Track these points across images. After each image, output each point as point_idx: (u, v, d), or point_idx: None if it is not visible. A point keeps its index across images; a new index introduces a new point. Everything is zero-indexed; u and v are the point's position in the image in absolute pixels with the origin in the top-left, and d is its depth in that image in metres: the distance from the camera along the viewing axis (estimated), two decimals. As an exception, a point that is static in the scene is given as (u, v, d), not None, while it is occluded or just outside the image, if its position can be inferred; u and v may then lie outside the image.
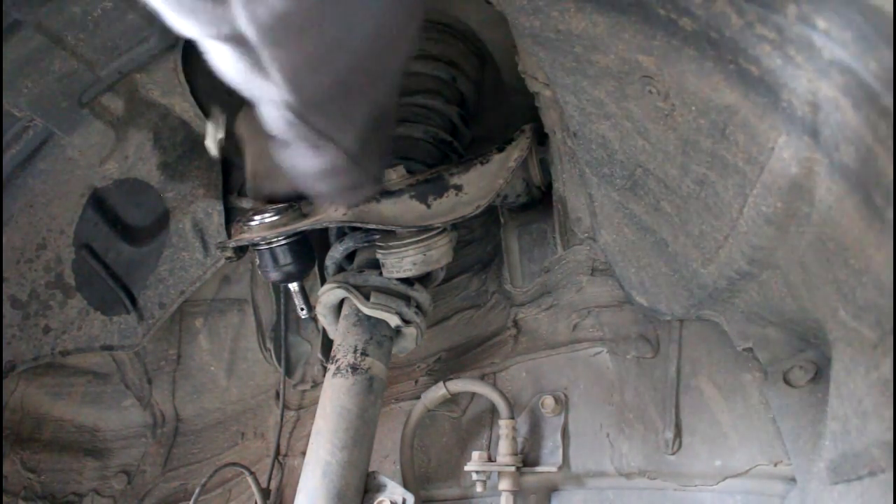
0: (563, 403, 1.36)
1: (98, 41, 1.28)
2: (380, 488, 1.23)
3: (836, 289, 0.78)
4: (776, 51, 0.68)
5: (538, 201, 1.50)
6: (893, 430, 0.71)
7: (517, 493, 1.30)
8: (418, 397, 1.46)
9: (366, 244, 1.44)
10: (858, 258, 0.70)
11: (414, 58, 1.53)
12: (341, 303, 1.44)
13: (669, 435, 1.22)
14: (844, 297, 0.76)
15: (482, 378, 1.48)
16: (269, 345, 1.79)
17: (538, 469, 1.32)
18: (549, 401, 1.36)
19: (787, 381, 1.08)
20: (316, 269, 1.57)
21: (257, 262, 1.48)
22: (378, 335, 1.37)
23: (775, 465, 1.11)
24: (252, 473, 1.58)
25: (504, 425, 1.33)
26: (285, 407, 1.73)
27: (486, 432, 1.44)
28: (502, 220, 1.57)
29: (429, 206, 1.33)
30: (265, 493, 1.58)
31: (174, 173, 1.53)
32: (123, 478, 1.80)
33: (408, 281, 1.42)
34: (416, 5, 0.86)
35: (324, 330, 1.54)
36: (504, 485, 1.29)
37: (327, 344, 1.53)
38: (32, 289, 1.57)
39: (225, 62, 0.80)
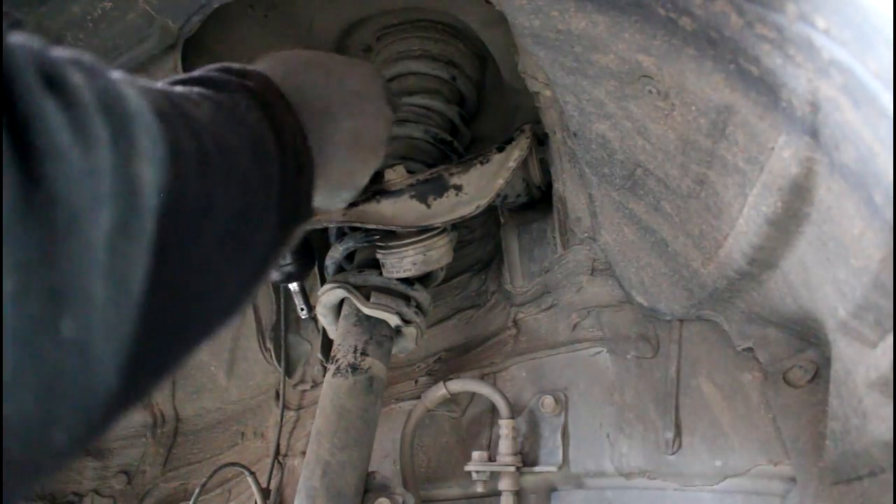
0: (563, 403, 1.36)
1: (98, 41, 1.27)
2: (380, 488, 1.23)
3: (836, 288, 0.78)
4: (776, 50, 0.68)
5: (538, 201, 1.50)
6: (893, 430, 0.71)
7: (517, 493, 1.30)
8: (418, 397, 1.46)
9: (366, 244, 1.44)
10: (858, 258, 0.70)
11: (414, 57, 1.52)
12: (341, 303, 1.44)
13: (669, 435, 1.22)
14: (844, 297, 0.76)
15: (482, 378, 1.48)
16: (269, 345, 1.79)
17: (538, 469, 1.32)
18: (549, 401, 1.36)
19: (787, 381, 1.08)
20: (316, 269, 1.57)
21: (257, 262, 1.48)
22: (378, 335, 1.37)
23: (775, 465, 1.11)
24: (252, 473, 1.58)
25: (504, 425, 1.33)
26: (285, 407, 1.73)
27: (486, 432, 1.44)
28: (502, 220, 1.57)
29: (429, 206, 1.33)
30: (265, 492, 1.57)
31: (174, 173, 1.53)
32: (123, 478, 1.80)
33: (408, 281, 1.42)
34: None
35: (324, 330, 1.54)
36: (504, 485, 1.29)
37: (327, 344, 1.52)
38: (32, 289, 1.57)
39: None
